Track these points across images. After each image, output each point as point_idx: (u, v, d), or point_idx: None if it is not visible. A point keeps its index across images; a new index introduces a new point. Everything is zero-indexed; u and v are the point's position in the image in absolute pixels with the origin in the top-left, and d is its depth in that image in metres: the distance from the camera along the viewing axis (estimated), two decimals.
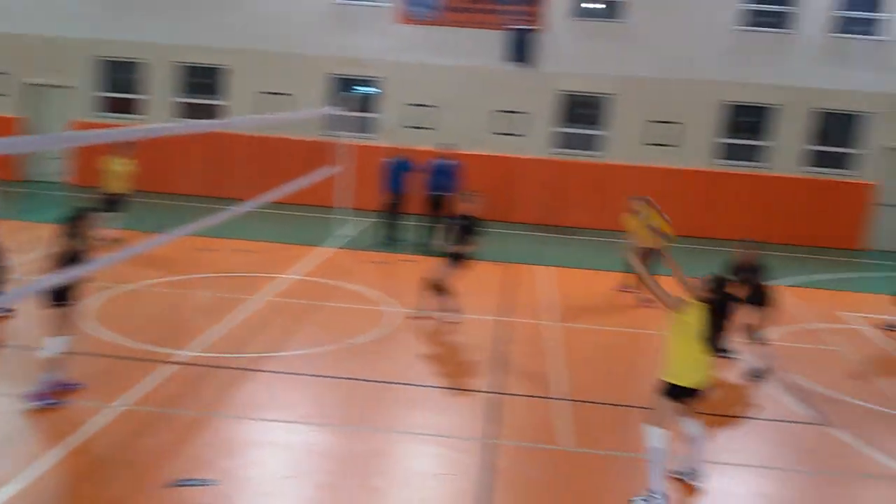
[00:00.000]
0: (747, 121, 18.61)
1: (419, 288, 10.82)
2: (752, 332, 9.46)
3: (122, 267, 10.86)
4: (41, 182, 19.20)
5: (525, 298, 12.35)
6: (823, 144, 18.39)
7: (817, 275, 15.42)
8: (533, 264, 14.62)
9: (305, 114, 16.41)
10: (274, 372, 8.75)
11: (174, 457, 6.60)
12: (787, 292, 13.57)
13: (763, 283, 9.51)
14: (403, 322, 10.62)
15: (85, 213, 7.45)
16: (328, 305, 11.29)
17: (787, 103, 18.04)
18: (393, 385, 8.75)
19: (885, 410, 8.85)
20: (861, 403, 8.96)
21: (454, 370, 9.23)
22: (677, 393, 6.34)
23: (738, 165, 18.44)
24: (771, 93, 18.05)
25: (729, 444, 7.72)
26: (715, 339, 6.23)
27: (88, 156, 16.46)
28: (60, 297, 7.26)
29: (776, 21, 18.05)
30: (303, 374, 8.77)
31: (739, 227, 15.52)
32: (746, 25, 18.02)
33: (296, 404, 8.00)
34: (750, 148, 18.57)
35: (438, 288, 10.46)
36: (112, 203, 13.54)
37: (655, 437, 6.29)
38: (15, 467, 6.20)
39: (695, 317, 6.21)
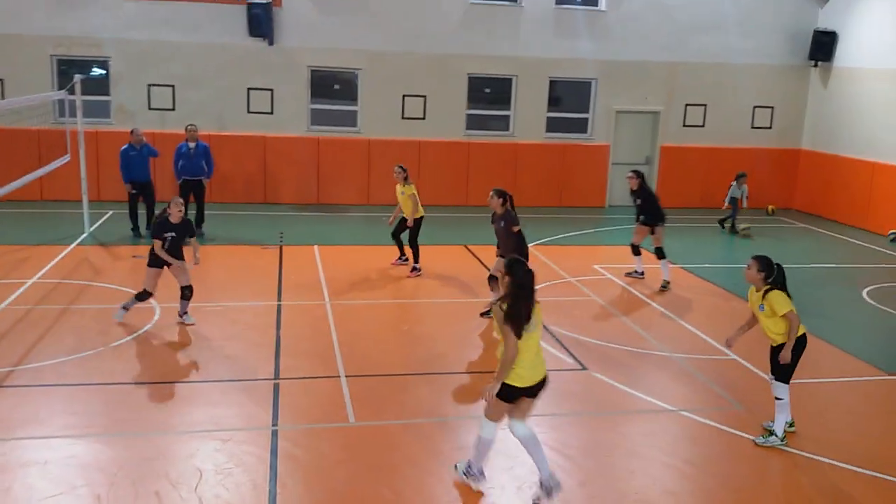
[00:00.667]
0: (491, 92, 19.48)
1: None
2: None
3: None
4: None
5: (299, 279, 12.08)
6: (560, 110, 19.69)
7: (570, 233, 16.54)
8: (303, 245, 14.32)
9: (26, 100, 14.62)
10: (24, 386, 7.91)
11: None
12: (545, 250, 14.49)
13: (514, 229, 10.01)
14: (165, 318, 9.99)
15: None
16: (80, 308, 10.35)
17: (525, 73, 19.07)
18: (163, 385, 8.23)
19: (637, 350, 9.71)
20: (615, 346, 9.76)
21: (230, 361, 8.80)
22: (511, 394, 6.07)
23: (487, 135, 19.23)
24: (509, 63, 18.96)
25: None
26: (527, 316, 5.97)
27: None
28: None
29: None
30: (59, 385, 7.99)
31: None
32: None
33: (53, 418, 7.26)
34: (497, 117, 19.45)
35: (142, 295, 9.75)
36: None
37: (488, 429, 6.20)
38: None
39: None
